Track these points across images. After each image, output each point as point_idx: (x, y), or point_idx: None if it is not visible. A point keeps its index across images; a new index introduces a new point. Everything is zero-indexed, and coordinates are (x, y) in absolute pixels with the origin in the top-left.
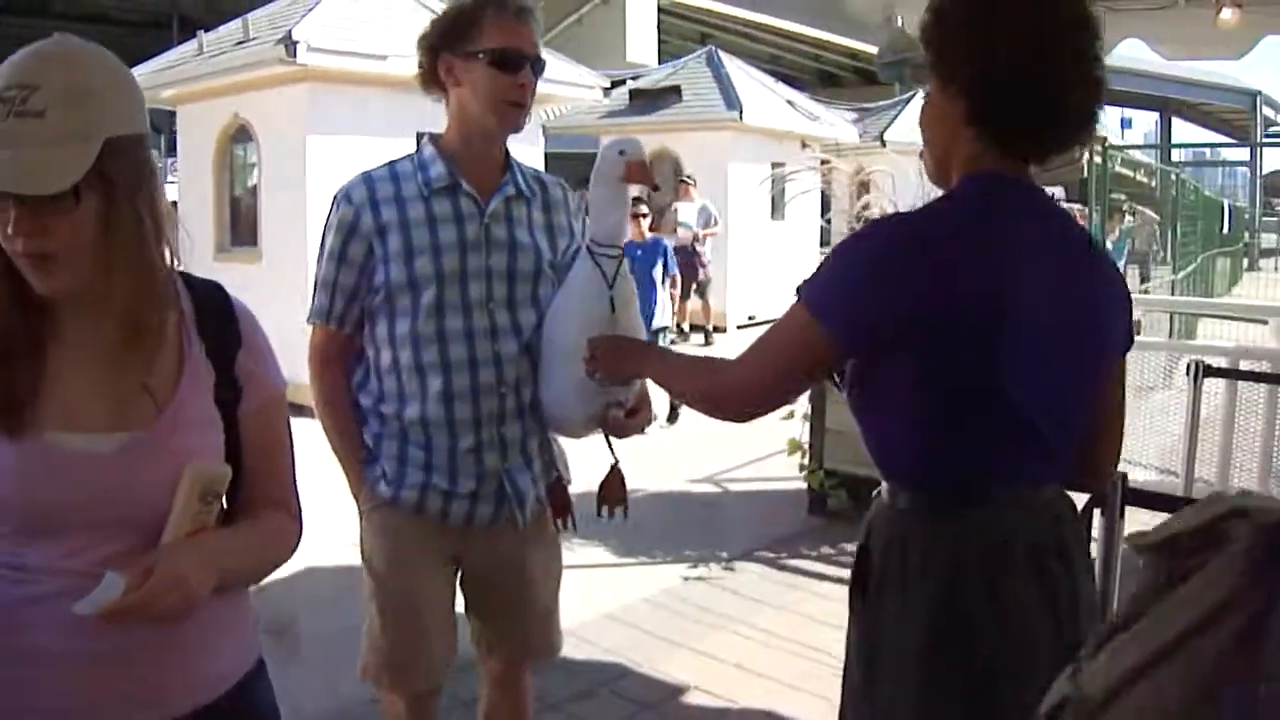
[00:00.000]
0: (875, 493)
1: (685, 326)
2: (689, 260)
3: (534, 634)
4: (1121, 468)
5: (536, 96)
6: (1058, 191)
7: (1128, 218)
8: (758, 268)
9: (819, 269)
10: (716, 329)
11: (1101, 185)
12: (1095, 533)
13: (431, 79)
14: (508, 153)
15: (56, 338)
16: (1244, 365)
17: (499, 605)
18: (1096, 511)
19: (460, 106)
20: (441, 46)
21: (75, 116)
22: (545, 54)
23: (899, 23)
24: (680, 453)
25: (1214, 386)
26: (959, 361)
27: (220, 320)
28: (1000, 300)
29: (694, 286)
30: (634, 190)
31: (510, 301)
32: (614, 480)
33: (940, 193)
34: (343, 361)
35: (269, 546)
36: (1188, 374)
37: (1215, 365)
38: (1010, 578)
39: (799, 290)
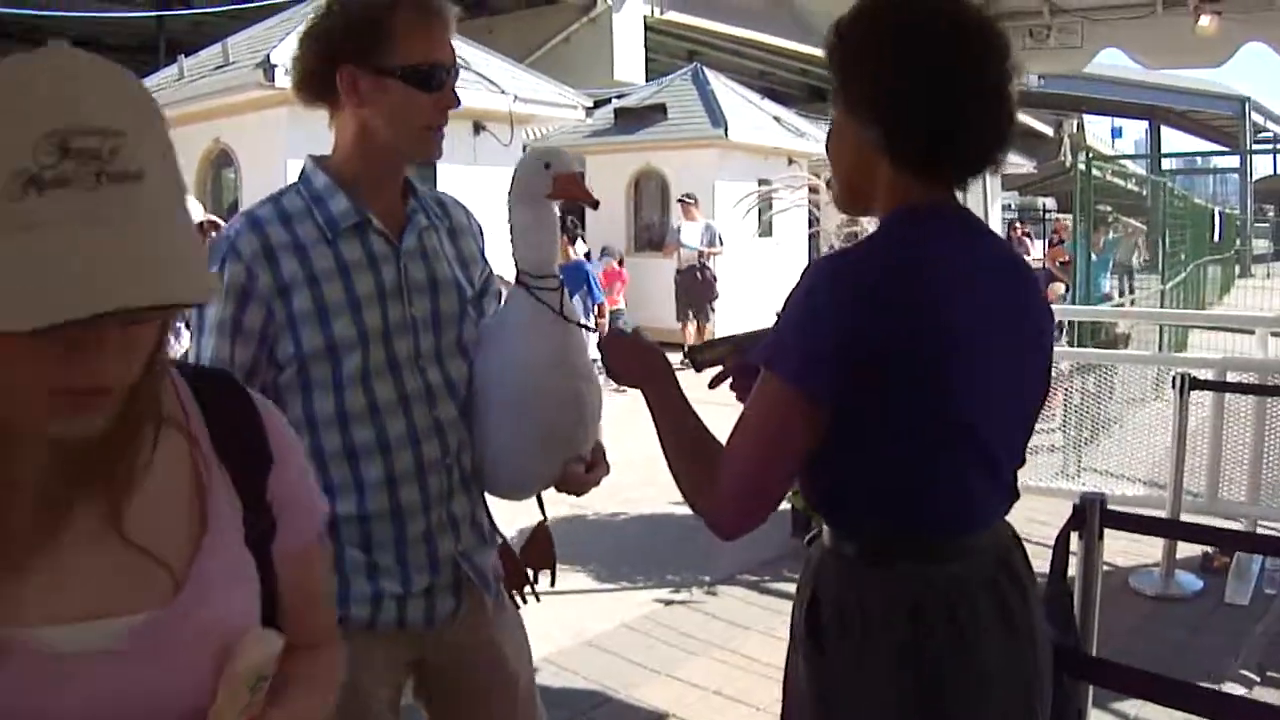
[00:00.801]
0: (810, 536)
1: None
2: (695, 282)
3: (520, 716)
4: (1109, 482)
5: (518, 117)
6: (1049, 202)
7: (1111, 230)
8: (745, 286)
9: (775, 336)
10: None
11: (1087, 197)
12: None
13: (317, 92)
14: (406, 175)
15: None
16: (1231, 377)
17: (475, 694)
18: (1074, 534)
19: (362, 129)
20: (342, 56)
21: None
22: (528, 74)
23: None
24: (662, 474)
25: (1202, 398)
26: (914, 401)
27: (243, 432)
28: (949, 334)
29: (699, 307)
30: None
31: (439, 354)
32: (542, 540)
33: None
34: None
35: (325, 698)
36: (1173, 386)
37: (1201, 377)
38: (974, 618)
39: (763, 366)
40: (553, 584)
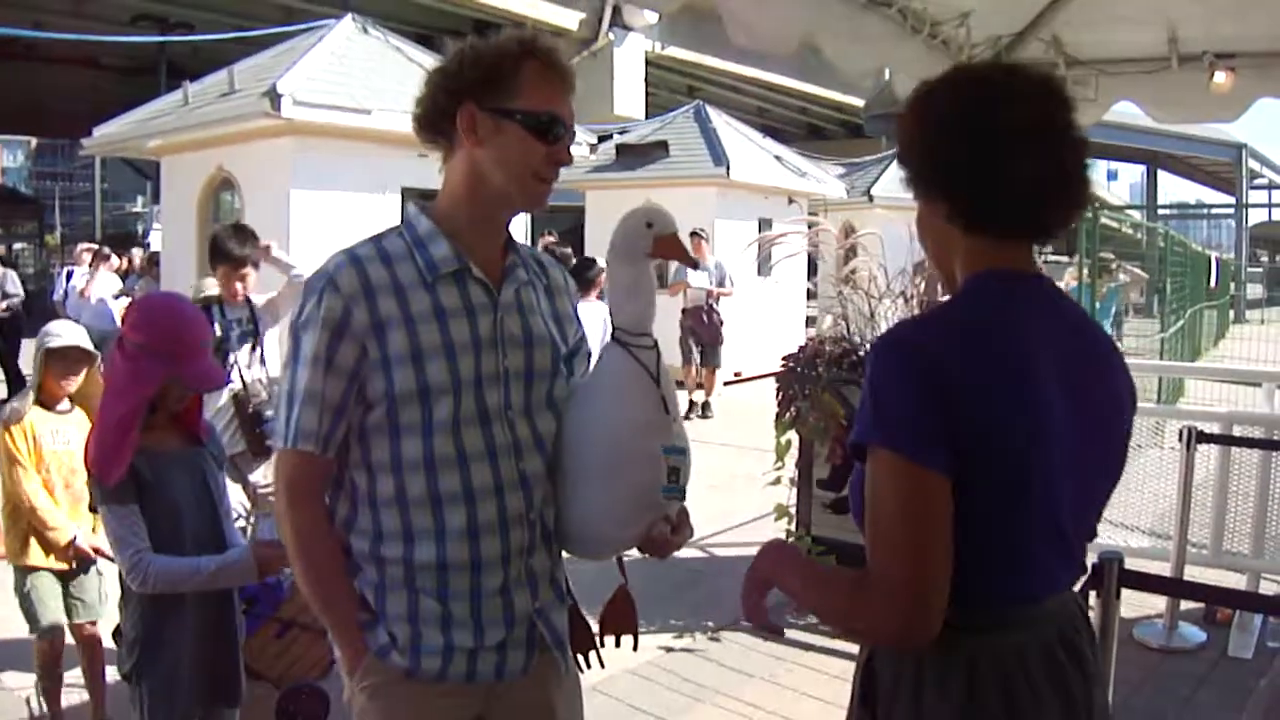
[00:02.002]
0: None
1: (694, 399)
2: (702, 324)
3: None
4: (1116, 532)
5: None
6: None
7: (1120, 275)
8: (745, 324)
9: (871, 414)
10: (708, 404)
11: (1091, 243)
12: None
13: (437, 127)
14: (508, 228)
15: None
16: (1237, 430)
17: None
18: (1092, 593)
19: (474, 170)
20: (467, 93)
21: None
22: None
23: (886, 76)
24: None
25: (1207, 451)
26: (992, 477)
27: None
28: (1030, 413)
29: (704, 349)
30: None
31: (528, 408)
32: (623, 605)
33: None
34: (323, 496)
35: None
36: (1180, 440)
37: (1208, 431)
38: (1029, 691)
39: (870, 447)
40: (635, 648)
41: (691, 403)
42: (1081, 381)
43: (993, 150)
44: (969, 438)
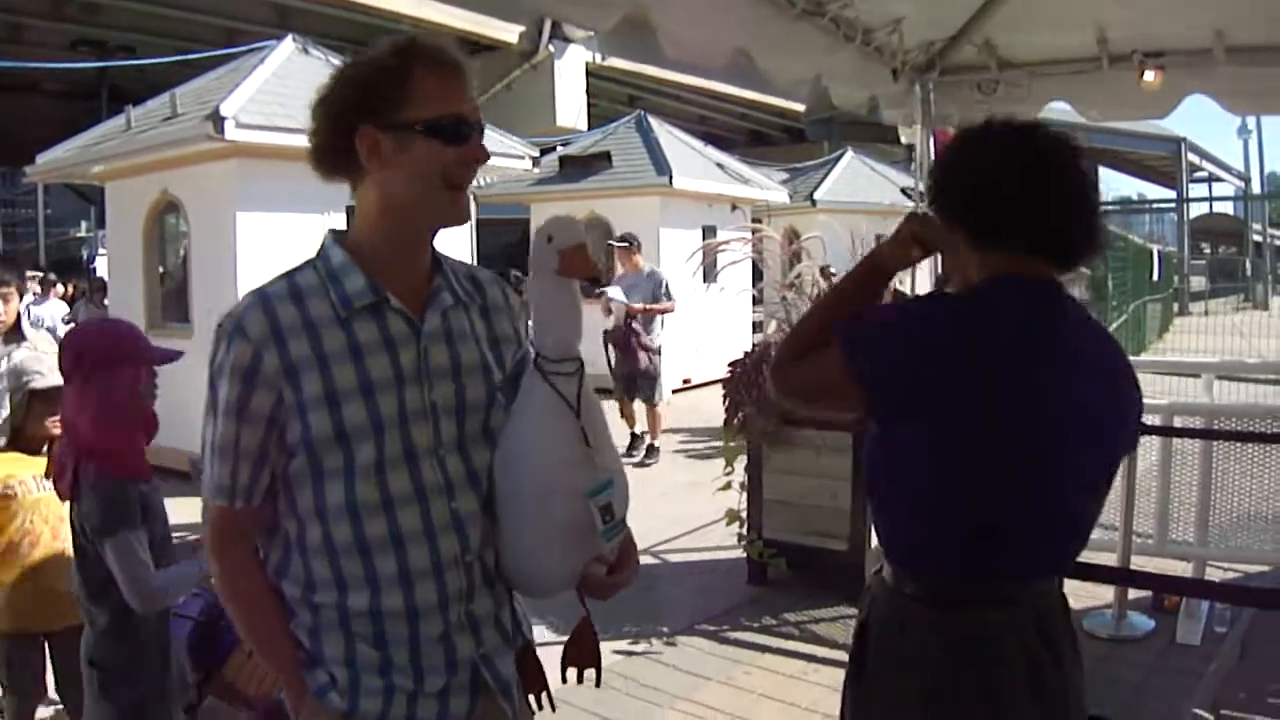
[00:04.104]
0: (876, 570)
1: (655, 443)
2: (623, 348)
3: None
4: None
5: None
6: None
7: None
8: (691, 332)
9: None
10: (652, 448)
11: None
12: None
13: (336, 160)
14: (434, 248)
15: None
16: (1178, 421)
17: None
18: None
19: (385, 193)
20: (361, 117)
21: None
22: None
23: (821, 83)
24: None
25: (1150, 443)
26: (975, 457)
27: None
28: (1019, 403)
29: (636, 382)
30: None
31: (461, 443)
32: (584, 638)
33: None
34: (252, 539)
35: None
36: None
37: (1149, 423)
38: (1003, 671)
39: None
40: (598, 684)
41: (633, 436)
42: (1085, 391)
43: (988, 184)
44: (942, 404)
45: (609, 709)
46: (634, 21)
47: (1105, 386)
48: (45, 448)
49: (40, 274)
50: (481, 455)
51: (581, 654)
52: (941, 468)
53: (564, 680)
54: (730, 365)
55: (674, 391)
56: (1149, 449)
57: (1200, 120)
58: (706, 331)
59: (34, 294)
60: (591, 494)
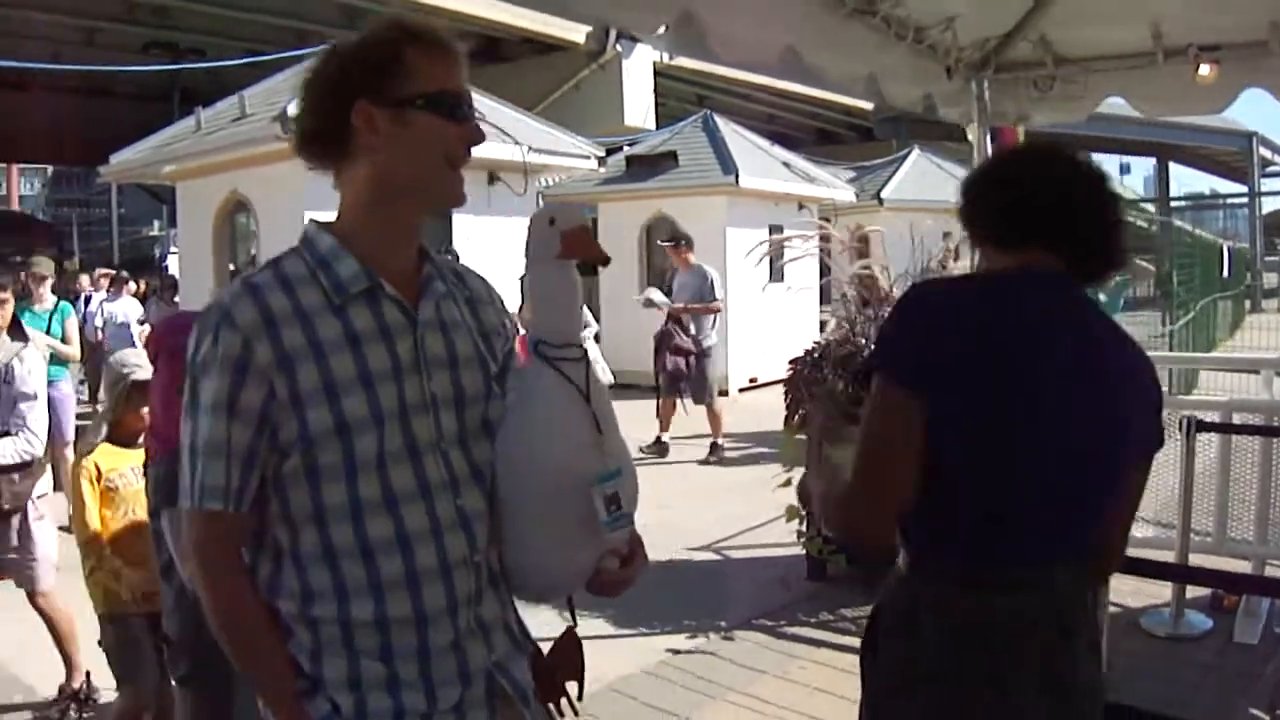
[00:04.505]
0: (896, 560)
1: (665, 437)
2: (662, 345)
3: None
4: None
5: (532, 167)
6: None
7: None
8: (758, 331)
9: (884, 341)
10: (715, 446)
11: None
12: None
13: (325, 141)
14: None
15: None
16: (1237, 419)
17: None
18: None
19: (379, 173)
20: (357, 93)
21: None
22: (541, 124)
23: (876, 81)
24: (680, 522)
25: (1209, 440)
26: (981, 441)
27: None
28: (1020, 390)
29: (678, 384)
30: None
31: (463, 437)
32: (570, 648)
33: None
34: (241, 555)
35: None
36: (1180, 429)
37: (1208, 420)
38: (1010, 657)
39: (872, 365)
40: (579, 698)
41: (658, 439)
42: (1091, 376)
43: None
44: (950, 384)
45: (661, 699)
46: (683, 24)
47: (1117, 378)
48: (140, 439)
49: (113, 272)
50: (482, 449)
51: (566, 665)
52: (945, 452)
53: (541, 699)
54: (791, 363)
55: (740, 390)
56: (1208, 446)
57: (1276, 114)
58: (773, 330)
59: (108, 291)
60: (600, 481)
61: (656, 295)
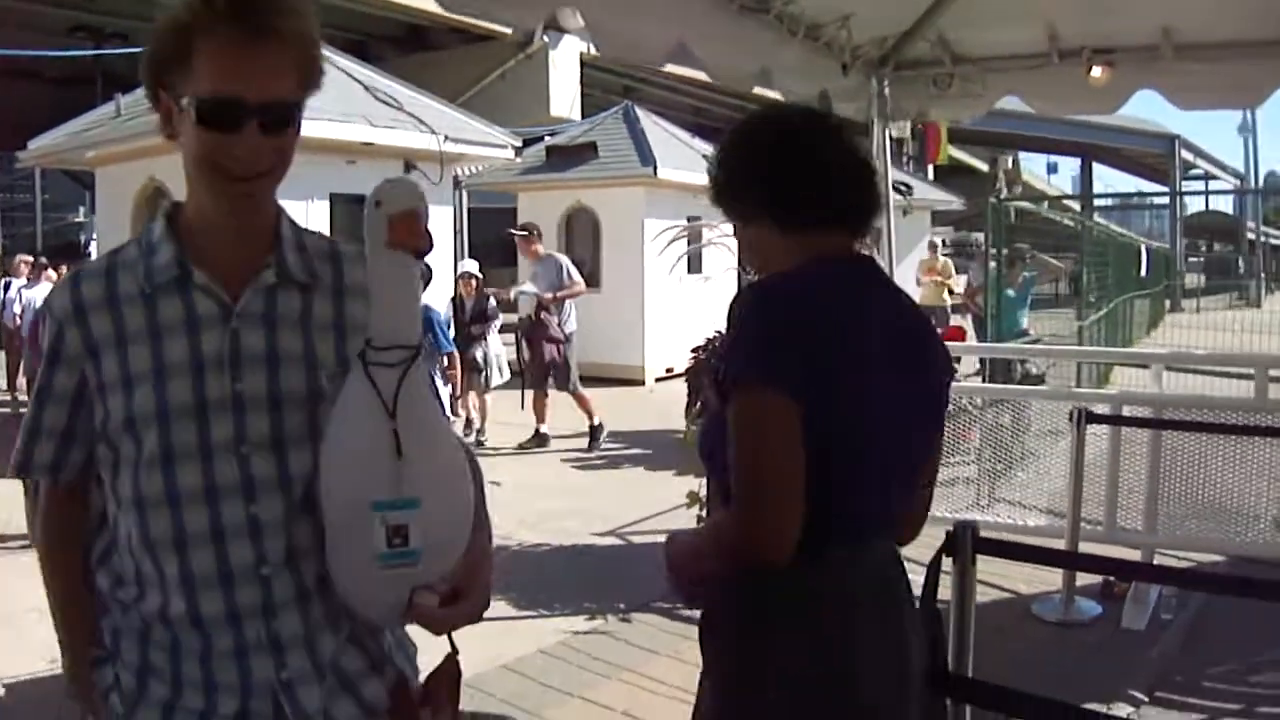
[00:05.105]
0: None
1: (544, 429)
2: (535, 335)
3: None
4: (1018, 512)
5: (448, 156)
6: (979, 237)
7: (1030, 265)
8: (676, 321)
9: (739, 347)
10: (595, 429)
11: (997, 235)
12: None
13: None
14: (280, 220)
15: None
16: (1127, 411)
17: None
18: (949, 560)
19: (185, 164)
20: (160, 80)
21: None
22: (459, 114)
23: (769, 76)
24: (584, 507)
25: (1100, 432)
26: (832, 427)
27: None
28: (860, 373)
29: (547, 375)
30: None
31: (276, 441)
32: (443, 679)
33: None
34: (67, 521)
35: None
36: (1071, 420)
37: (1098, 411)
38: (865, 624)
39: (739, 380)
40: None
41: (592, 426)
42: (906, 357)
43: (781, 168)
44: (813, 375)
45: (554, 678)
46: (567, 20)
47: (917, 354)
48: None
49: (32, 259)
50: (300, 457)
51: (439, 693)
52: (810, 446)
53: None
54: (693, 352)
55: (657, 380)
56: (1099, 437)
57: (1201, 118)
58: (691, 321)
59: (27, 278)
60: (379, 508)
61: (529, 287)
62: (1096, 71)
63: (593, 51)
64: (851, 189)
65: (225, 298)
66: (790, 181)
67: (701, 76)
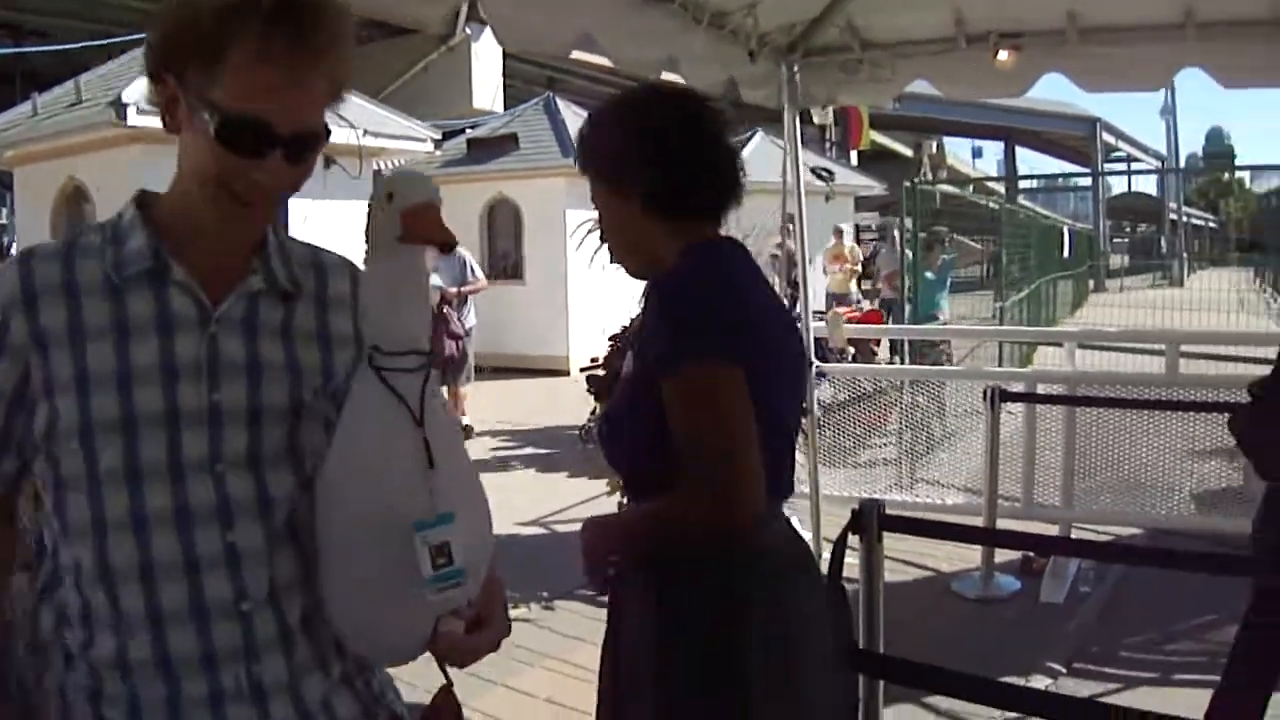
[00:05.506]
0: None
1: (465, 421)
2: (436, 330)
3: None
4: (940, 492)
5: (368, 151)
6: (908, 221)
7: (951, 248)
8: (599, 312)
9: (679, 326)
10: (467, 428)
11: (914, 218)
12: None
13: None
14: (265, 223)
15: None
16: (1041, 389)
17: None
18: (856, 537)
19: (182, 159)
20: (171, 62)
21: None
22: (378, 108)
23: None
24: (508, 498)
25: (1016, 410)
26: (755, 393)
27: None
28: (772, 337)
29: (445, 369)
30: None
31: (256, 460)
32: (449, 712)
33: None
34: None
35: None
36: (985, 399)
37: (1012, 390)
38: (791, 581)
39: (682, 358)
40: None
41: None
42: (788, 334)
43: (678, 153)
44: (748, 345)
45: (482, 668)
46: (471, 13)
47: (792, 332)
48: None
49: None
50: (282, 478)
51: None
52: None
53: None
54: (610, 340)
55: (581, 370)
56: (1016, 416)
57: (1124, 102)
58: (614, 311)
59: None
60: (422, 527)
61: (433, 280)
62: (1003, 55)
63: None
64: (734, 181)
65: (205, 299)
66: (685, 169)
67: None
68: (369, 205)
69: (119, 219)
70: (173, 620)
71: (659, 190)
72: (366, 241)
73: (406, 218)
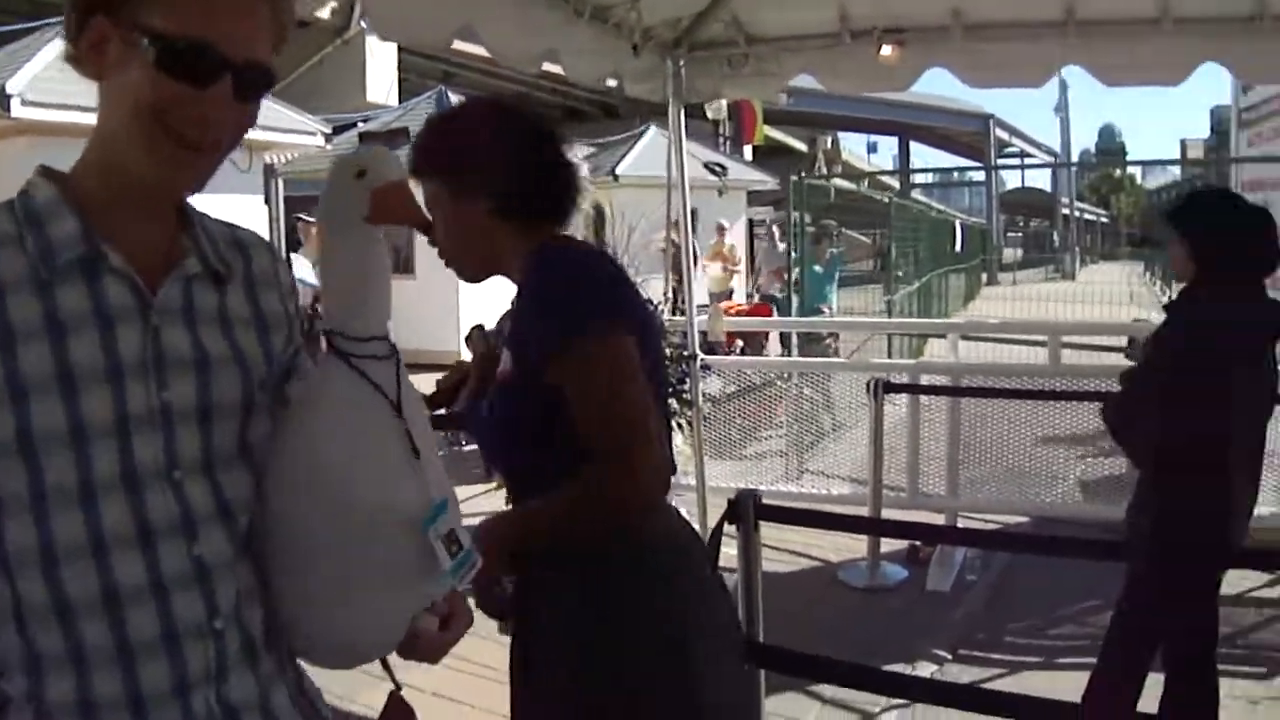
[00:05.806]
0: None
1: None
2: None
3: None
4: (827, 483)
5: (257, 144)
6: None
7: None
8: (490, 305)
9: (568, 305)
10: None
11: (802, 212)
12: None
13: (77, 60)
14: (184, 201)
15: None
16: (924, 379)
17: None
18: (734, 526)
19: (107, 113)
20: (96, 4)
21: None
22: (268, 101)
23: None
24: None
25: (900, 401)
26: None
27: None
28: (646, 317)
29: None
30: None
31: (209, 463)
32: (404, 714)
33: None
34: None
35: None
36: (868, 391)
37: (895, 381)
38: (701, 562)
39: (574, 335)
40: None
41: None
42: (647, 313)
43: (525, 157)
44: (637, 320)
45: (376, 666)
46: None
47: (653, 320)
48: None
49: None
50: (237, 480)
51: None
52: None
53: None
54: (475, 328)
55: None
56: (900, 407)
57: (1018, 100)
58: (505, 303)
59: None
60: (429, 521)
61: (309, 278)
62: (887, 50)
63: None
64: (574, 184)
65: (143, 286)
66: (532, 173)
67: None
68: (330, 182)
69: (29, 200)
70: (143, 650)
71: (509, 192)
72: (325, 220)
73: (377, 196)
